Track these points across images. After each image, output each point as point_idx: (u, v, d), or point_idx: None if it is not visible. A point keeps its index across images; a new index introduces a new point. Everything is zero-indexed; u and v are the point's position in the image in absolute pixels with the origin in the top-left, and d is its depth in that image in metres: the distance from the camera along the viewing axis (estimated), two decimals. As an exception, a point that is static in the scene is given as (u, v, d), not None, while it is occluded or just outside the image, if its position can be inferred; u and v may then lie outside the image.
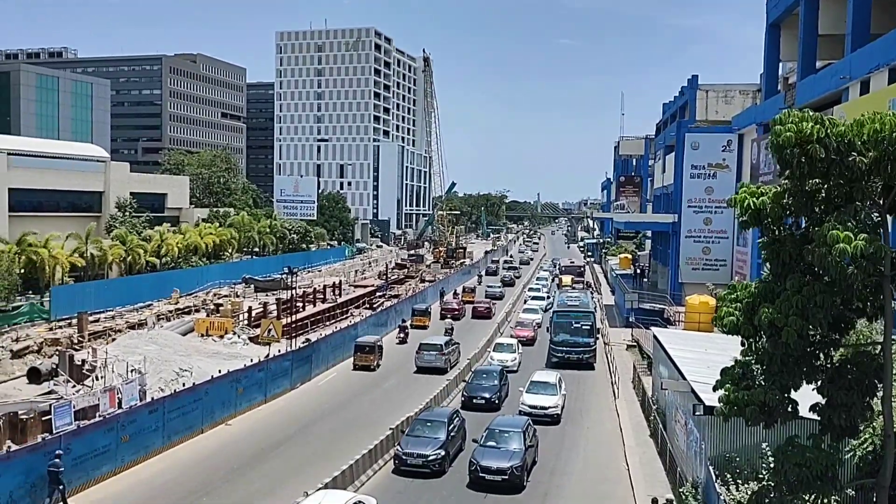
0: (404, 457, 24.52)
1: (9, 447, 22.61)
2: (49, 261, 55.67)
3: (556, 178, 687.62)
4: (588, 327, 42.12)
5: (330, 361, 40.22)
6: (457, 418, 27.10)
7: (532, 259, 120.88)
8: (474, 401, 32.09)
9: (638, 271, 74.53)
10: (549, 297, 65.03)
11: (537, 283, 76.78)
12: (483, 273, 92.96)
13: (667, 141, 65.22)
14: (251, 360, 34.38)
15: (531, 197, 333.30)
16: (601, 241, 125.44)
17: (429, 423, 25.97)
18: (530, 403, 31.03)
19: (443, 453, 24.65)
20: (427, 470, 24.22)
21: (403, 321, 51.27)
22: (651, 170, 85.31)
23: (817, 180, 13.24)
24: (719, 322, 14.11)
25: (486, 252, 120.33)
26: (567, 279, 77.38)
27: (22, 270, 53.53)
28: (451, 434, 25.68)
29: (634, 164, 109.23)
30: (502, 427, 25.39)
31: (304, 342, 40.88)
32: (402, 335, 48.00)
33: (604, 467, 26.15)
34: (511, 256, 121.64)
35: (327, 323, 52.01)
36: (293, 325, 45.13)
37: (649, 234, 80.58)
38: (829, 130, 12.79)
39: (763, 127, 42.76)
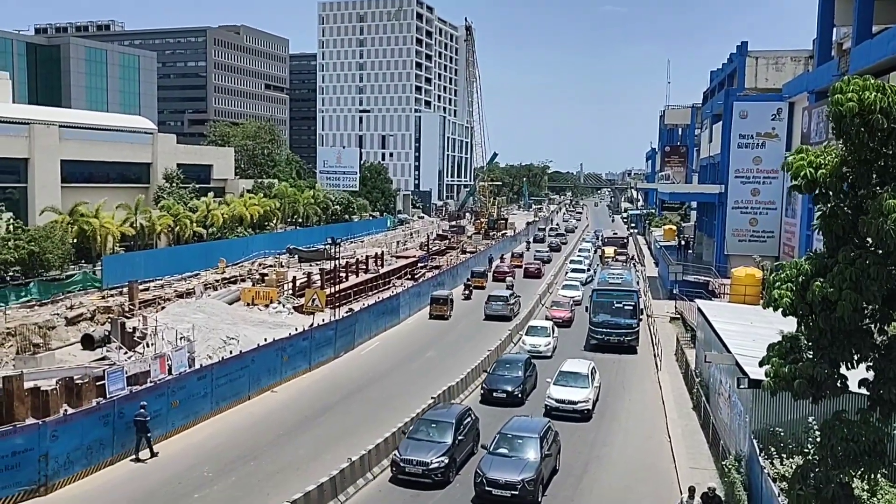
0: (402, 464, 21.26)
1: (65, 410, 23.49)
2: (100, 231, 57.06)
3: (599, 149, 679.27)
4: (631, 307, 38.73)
5: (373, 331, 40.69)
6: (468, 418, 23.59)
7: (574, 230, 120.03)
8: (494, 394, 28.71)
9: (682, 243, 73.60)
10: (589, 270, 63.79)
11: (579, 256, 74.73)
12: (531, 240, 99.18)
13: (714, 110, 63.77)
14: (296, 329, 35.01)
15: (574, 167, 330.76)
16: (645, 212, 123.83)
17: (434, 424, 22.57)
18: (557, 397, 27.74)
19: (446, 461, 21.27)
20: (428, 480, 20.98)
21: (467, 280, 57.58)
22: (697, 139, 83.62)
23: (875, 150, 12.84)
24: (772, 304, 13.75)
25: (528, 223, 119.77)
26: (610, 251, 74.96)
27: (75, 240, 55.00)
28: (460, 438, 22.38)
29: (680, 133, 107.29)
30: (516, 432, 21.84)
31: (347, 312, 41.40)
32: (466, 292, 54.64)
33: (646, 439, 26.11)
34: (557, 225, 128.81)
35: (369, 293, 52.52)
36: (336, 295, 45.68)
37: (694, 205, 79.31)
38: (890, 99, 12.36)
39: (815, 95, 41.52)
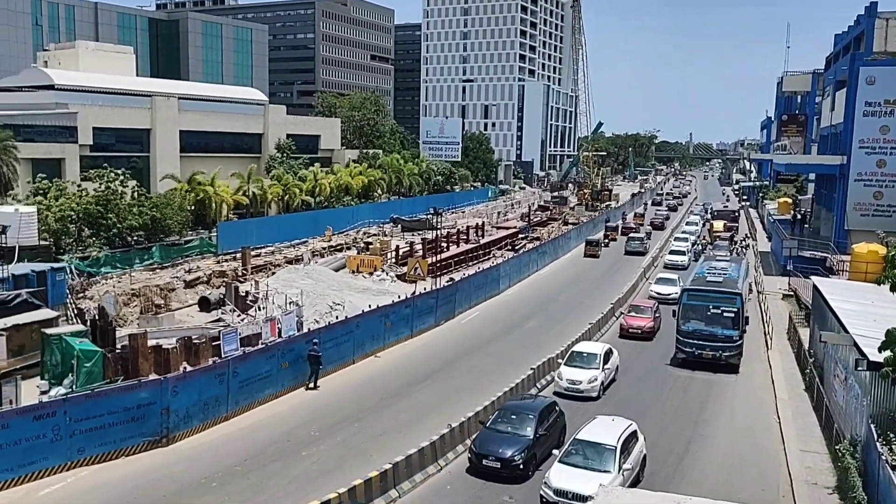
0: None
1: (185, 368, 24.96)
2: (216, 199, 59.75)
3: (710, 117, 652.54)
4: (732, 314, 30.39)
5: (472, 301, 40.99)
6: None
7: (682, 203, 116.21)
8: (484, 461, 20.00)
9: (798, 217, 69.91)
10: (695, 246, 59.92)
11: (683, 233, 66.93)
12: (650, 203, 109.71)
13: (837, 76, 59.88)
14: (398, 297, 35.74)
15: (683, 137, 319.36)
16: (758, 184, 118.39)
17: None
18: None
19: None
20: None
21: (605, 232, 68.89)
22: (818, 107, 78.87)
23: None
24: (890, 282, 12.97)
25: (633, 195, 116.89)
26: (719, 225, 70.72)
27: (192, 207, 57.85)
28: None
29: (799, 101, 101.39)
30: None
31: (448, 281, 41.86)
32: (606, 241, 65.51)
33: (753, 419, 25.29)
34: (672, 188, 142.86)
35: (470, 263, 52.84)
36: (438, 265, 46.23)
37: (812, 177, 75.11)
38: None
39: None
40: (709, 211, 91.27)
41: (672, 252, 56.85)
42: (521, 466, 19.83)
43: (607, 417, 21.00)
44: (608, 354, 28.23)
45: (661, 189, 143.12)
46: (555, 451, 19.63)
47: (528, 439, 20.35)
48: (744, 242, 65.12)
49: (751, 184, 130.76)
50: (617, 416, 20.98)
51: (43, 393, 23.45)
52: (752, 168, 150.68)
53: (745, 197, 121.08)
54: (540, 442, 20.65)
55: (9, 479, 18.67)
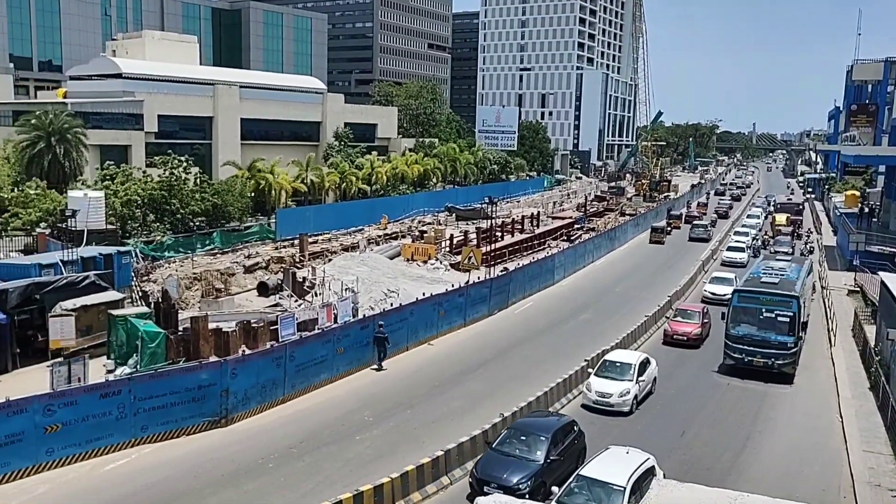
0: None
1: (244, 351, 25.56)
2: (275, 186, 60.78)
3: (775, 107, 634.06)
4: (787, 318, 27.83)
5: (526, 291, 40.84)
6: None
7: (745, 193, 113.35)
8: (485, 489, 17.63)
9: (866, 210, 67.52)
10: (754, 241, 57.67)
11: (744, 227, 64.87)
12: (712, 193, 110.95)
13: (912, 63, 57.47)
14: (452, 286, 35.85)
15: (746, 127, 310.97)
16: (824, 176, 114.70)
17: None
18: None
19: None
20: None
21: (667, 220, 70.80)
22: (889, 97, 75.94)
23: None
24: None
25: (693, 186, 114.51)
26: (782, 218, 68.20)
27: (252, 194, 58.95)
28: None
29: (869, 90, 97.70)
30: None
31: (501, 271, 41.80)
32: (669, 229, 66.73)
33: (815, 417, 24.66)
34: (735, 178, 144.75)
35: (524, 253, 52.63)
36: (492, 254, 46.17)
37: (882, 169, 72.35)
38: None
39: None
40: (771, 203, 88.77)
41: (730, 248, 53.03)
42: (528, 496, 17.07)
43: (621, 449, 17.87)
44: (644, 365, 25.67)
45: (724, 179, 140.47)
46: (554, 489, 16.85)
47: (537, 465, 18.05)
48: (808, 239, 62.05)
49: (816, 176, 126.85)
50: (633, 449, 17.95)
51: (109, 372, 24.33)
52: (818, 159, 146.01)
53: (809, 189, 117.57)
54: (552, 468, 18.30)
55: (77, 454, 19.45)
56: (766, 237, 62.29)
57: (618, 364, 25.41)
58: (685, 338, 32.39)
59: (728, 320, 28.79)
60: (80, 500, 17.73)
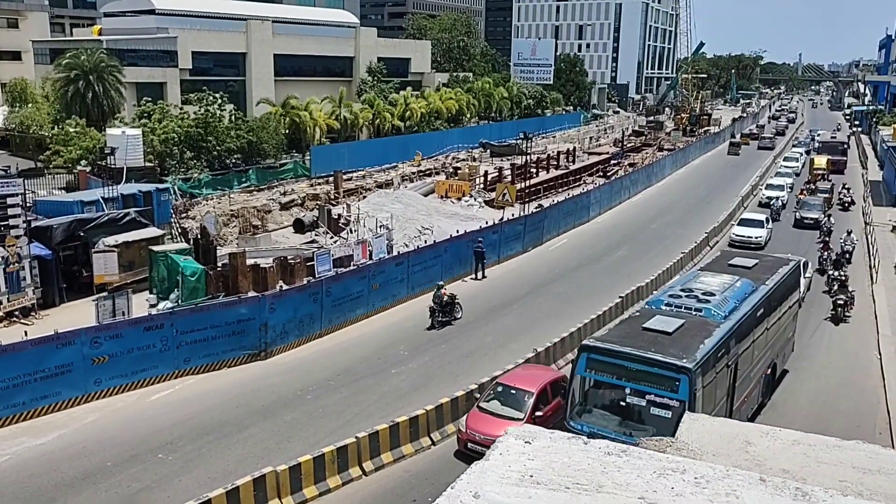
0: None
1: (281, 286, 26.02)
2: (309, 123, 60.73)
3: (821, 37, 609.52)
4: (666, 413, 14.52)
5: (561, 228, 40.65)
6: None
7: (786, 129, 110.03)
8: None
9: (915, 144, 65.28)
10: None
11: (778, 175, 56.22)
12: (770, 118, 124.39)
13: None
14: (486, 223, 35.82)
15: (791, 58, 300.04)
16: (872, 108, 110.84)
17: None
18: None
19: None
20: None
21: (741, 137, 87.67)
22: (946, 24, 72.29)
23: None
24: None
25: (734, 119, 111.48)
26: (821, 161, 58.89)
27: (287, 131, 59.05)
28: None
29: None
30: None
31: (536, 208, 41.59)
32: (737, 146, 79.95)
33: (852, 354, 24.47)
34: (782, 108, 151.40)
35: (559, 190, 52.19)
36: (526, 191, 45.90)
37: (935, 100, 69.65)
38: None
39: None
40: (815, 139, 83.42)
41: (743, 221, 40.95)
42: None
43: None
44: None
45: (771, 108, 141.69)
46: None
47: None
48: (842, 198, 50.00)
49: (864, 108, 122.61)
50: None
51: (152, 306, 25.02)
52: (867, 91, 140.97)
53: (856, 122, 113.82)
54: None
55: (124, 384, 20.21)
56: (801, 192, 50.13)
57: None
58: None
59: (568, 403, 16.16)
60: (129, 427, 18.49)
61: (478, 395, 18.32)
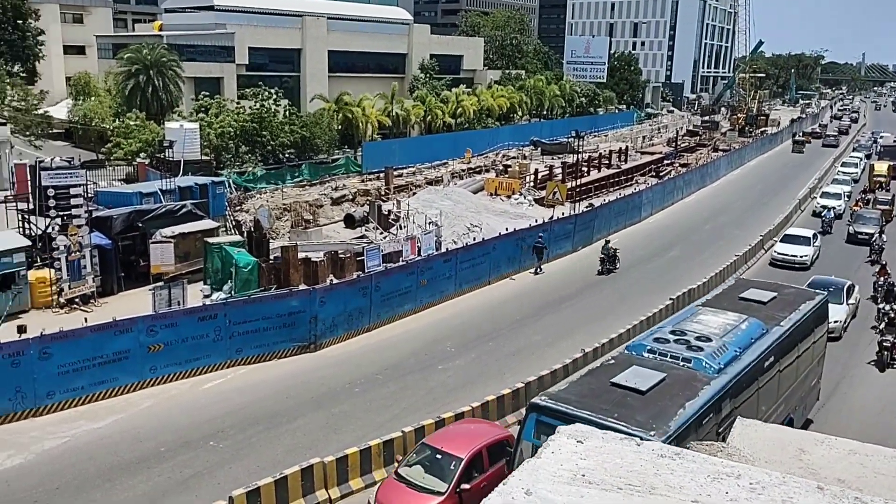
0: None
1: (331, 280, 26.35)
2: (361, 119, 61.23)
3: (887, 35, 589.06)
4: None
5: (612, 227, 40.18)
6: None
7: (849, 129, 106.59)
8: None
9: None
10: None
11: (835, 181, 52.86)
12: (832, 118, 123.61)
13: None
14: (536, 221, 35.68)
15: (854, 58, 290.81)
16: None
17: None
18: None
19: None
20: None
21: (802, 136, 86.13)
22: None
23: None
24: None
25: (793, 120, 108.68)
26: (882, 167, 54.79)
27: (339, 127, 59.64)
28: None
29: None
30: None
31: (587, 207, 41.24)
32: (800, 144, 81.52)
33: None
34: (844, 108, 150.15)
35: (611, 189, 51.64)
36: (577, 190, 45.54)
37: None
38: None
39: None
40: (877, 143, 78.85)
41: (824, 195, 43.75)
42: None
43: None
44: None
45: (833, 109, 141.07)
46: None
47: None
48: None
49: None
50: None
51: (206, 297, 25.60)
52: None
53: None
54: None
55: (177, 372, 20.73)
56: (857, 203, 46.03)
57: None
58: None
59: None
60: (183, 414, 18.97)
61: (399, 459, 15.27)
